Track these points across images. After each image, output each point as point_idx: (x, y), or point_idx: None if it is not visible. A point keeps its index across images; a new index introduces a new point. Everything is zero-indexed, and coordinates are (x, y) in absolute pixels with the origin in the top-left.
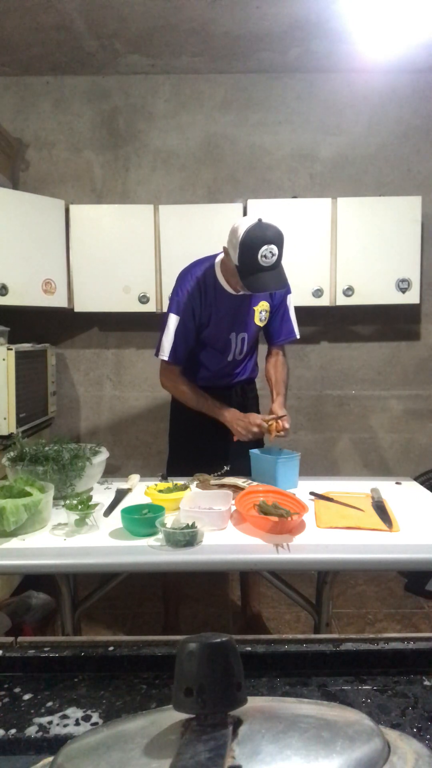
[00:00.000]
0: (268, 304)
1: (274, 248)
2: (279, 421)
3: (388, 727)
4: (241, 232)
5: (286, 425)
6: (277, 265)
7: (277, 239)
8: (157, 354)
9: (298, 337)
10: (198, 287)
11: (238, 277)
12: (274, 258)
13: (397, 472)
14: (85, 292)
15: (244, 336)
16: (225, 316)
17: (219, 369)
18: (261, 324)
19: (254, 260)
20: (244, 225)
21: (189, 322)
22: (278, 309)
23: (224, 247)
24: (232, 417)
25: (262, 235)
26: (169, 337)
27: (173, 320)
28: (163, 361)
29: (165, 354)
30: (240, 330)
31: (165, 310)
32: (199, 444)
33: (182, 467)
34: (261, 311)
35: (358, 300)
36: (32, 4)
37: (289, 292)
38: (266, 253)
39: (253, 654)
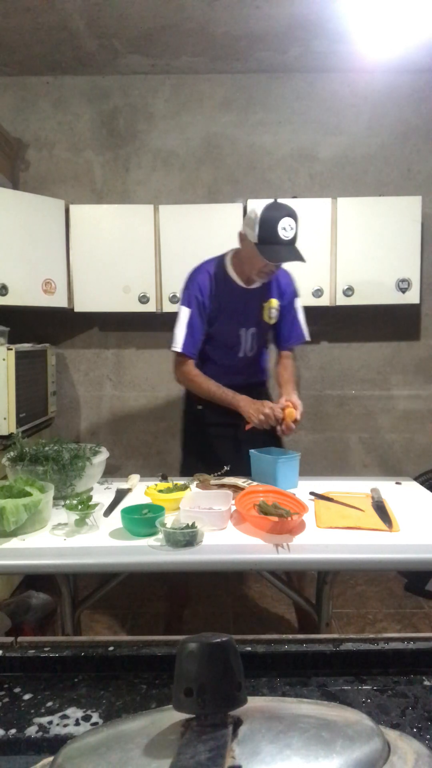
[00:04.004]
0: (277, 302)
1: (293, 222)
2: (292, 408)
3: (388, 727)
4: (259, 211)
5: (298, 416)
6: (294, 241)
7: (295, 216)
8: (171, 347)
9: (308, 339)
10: (208, 280)
11: (253, 259)
12: (293, 232)
13: (397, 472)
14: (85, 292)
15: (253, 331)
16: (234, 310)
17: (231, 366)
18: (270, 321)
19: (274, 232)
20: (261, 205)
21: (200, 314)
22: (288, 311)
23: (240, 233)
24: (245, 402)
25: (282, 210)
26: (182, 329)
27: (185, 313)
28: (176, 353)
29: (178, 346)
30: (249, 325)
31: (165, 309)
32: (213, 444)
33: (197, 468)
34: (270, 308)
35: (358, 300)
36: (32, 4)
37: (297, 295)
38: (285, 226)
39: (253, 654)
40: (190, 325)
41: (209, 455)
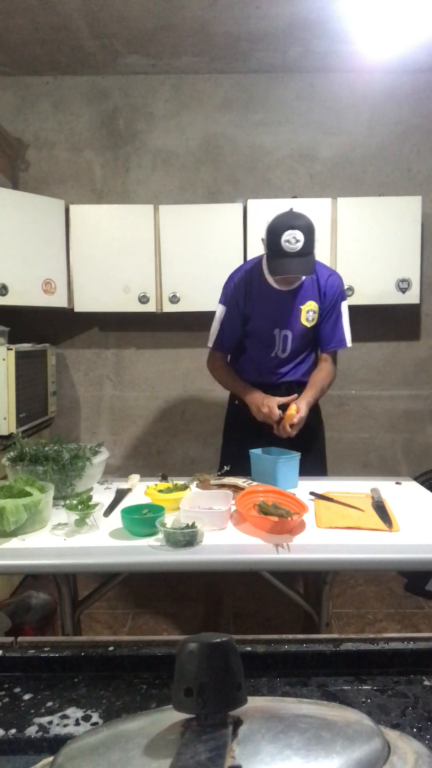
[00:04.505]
0: (316, 305)
1: (299, 234)
2: (293, 413)
3: (388, 727)
4: (271, 219)
5: (295, 420)
6: (303, 253)
7: (305, 227)
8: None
9: (349, 345)
10: (245, 280)
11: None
12: (299, 244)
13: (397, 472)
14: (85, 292)
15: (287, 333)
16: (268, 311)
17: (264, 363)
18: (308, 324)
19: (278, 245)
20: (275, 213)
21: (234, 312)
22: (330, 314)
23: (261, 239)
24: (252, 397)
25: (288, 221)
26: (215, 325)
27: (220, 310)
28: (210, 348)
29: (210, 341)
30: (284, 326)
31: (165, 309)
32: (248, 438)
33: (235, 459)
34: (308, 311)
35: (358, 300)
36: (32, 4)
37: (343, 298)
38: (289, 238)
39: (253, 654)
40: (223, 322)
41: (246, 447)
